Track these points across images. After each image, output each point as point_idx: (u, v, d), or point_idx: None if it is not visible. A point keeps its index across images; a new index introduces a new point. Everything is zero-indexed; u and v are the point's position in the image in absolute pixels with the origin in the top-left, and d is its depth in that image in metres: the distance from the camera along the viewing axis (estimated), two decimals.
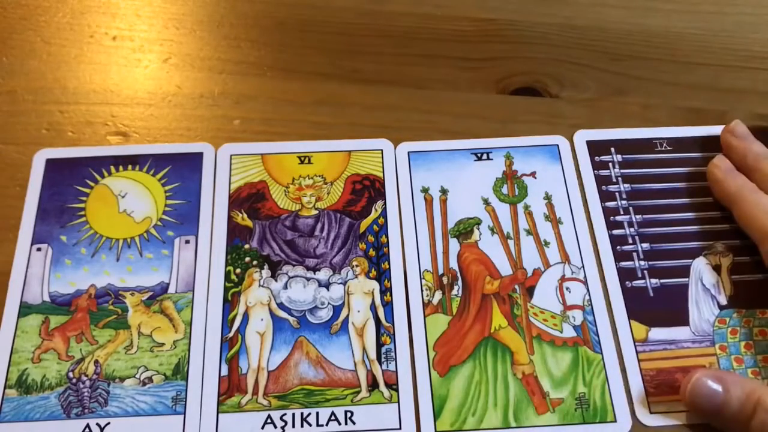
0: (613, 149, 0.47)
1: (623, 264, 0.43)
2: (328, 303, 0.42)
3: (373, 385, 0.39)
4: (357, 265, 0.43)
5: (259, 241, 0.44)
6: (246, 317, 0.41)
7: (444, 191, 0.46)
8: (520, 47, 0.52)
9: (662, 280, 0.43)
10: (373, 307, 0.42)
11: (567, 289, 0.42)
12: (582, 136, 0.48)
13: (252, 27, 0.53)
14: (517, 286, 0.42)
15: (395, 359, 0.40)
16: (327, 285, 0.42)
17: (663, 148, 0.47)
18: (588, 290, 0.42)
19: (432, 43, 0.52)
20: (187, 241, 0.44)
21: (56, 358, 0.40)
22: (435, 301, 0.42)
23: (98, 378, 0.39)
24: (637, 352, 0.40)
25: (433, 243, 0.44)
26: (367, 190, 0.46)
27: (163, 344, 0.40)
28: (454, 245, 0.44)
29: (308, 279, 0.43)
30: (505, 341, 0.41)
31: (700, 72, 0.51)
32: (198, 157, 0.46)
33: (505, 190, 0.46)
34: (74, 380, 0.39)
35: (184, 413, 0.38)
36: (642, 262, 0.43)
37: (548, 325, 0.41)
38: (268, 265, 0.43)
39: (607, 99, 0.50)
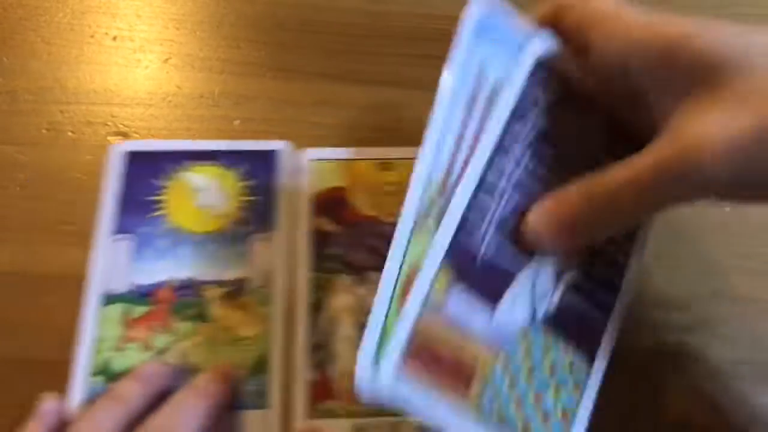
0: None
1: None
2: None
3: None
4: None
5: (342, 247, 0.43)
6: (331, 323, 0.41)
7: None
8: None
9: None
10: None
11: None
12: None
13: (252, 27, 0.53)
14: None
15: None
16: None
17: None
18: None
19: (432, 43, 0.52)
20: (266, 240, 0.43)
21: (139, 348, 0.40)
22: None
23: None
24: None
25: None
26: None
27: (244, 338, 0.40)
28: None
29: None
30: None
31: None
32: (275, 155, 0.46)
33: None
34: None
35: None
36: None
37: None
38: (352, 271, 0.42)
39: None
